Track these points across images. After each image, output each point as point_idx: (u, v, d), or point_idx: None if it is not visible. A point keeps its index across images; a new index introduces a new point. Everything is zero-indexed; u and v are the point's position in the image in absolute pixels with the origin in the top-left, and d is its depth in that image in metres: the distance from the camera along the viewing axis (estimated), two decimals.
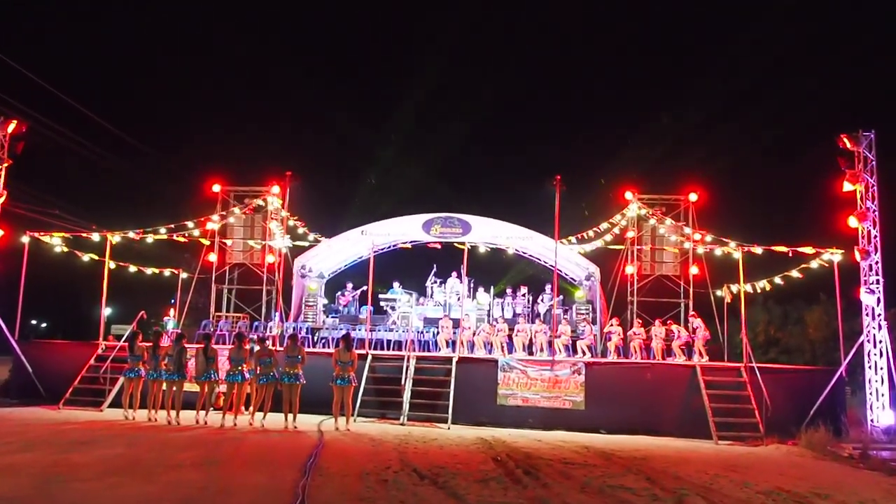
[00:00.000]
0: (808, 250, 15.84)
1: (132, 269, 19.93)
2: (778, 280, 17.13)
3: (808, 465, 11.19)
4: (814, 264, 16.03)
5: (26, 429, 12.06)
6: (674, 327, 17.33)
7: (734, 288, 17.11)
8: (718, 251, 17.33)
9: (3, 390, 16.76)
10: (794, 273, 16.55)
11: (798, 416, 13.73)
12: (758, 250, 16.30)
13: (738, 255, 16.26)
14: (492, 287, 21.48)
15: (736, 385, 14.50)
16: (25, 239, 17.29)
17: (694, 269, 18.67)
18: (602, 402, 14.79)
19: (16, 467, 8.62)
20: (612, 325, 17.69)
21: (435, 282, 21.66)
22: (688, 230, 18.32)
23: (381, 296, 20.76)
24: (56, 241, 17.73)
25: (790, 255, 16.11)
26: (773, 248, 16.14)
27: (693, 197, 18.84)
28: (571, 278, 22.19)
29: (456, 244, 19.10)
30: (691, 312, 17.91)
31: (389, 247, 21.39)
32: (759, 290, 17.96)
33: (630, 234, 18.94)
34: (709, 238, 17.58)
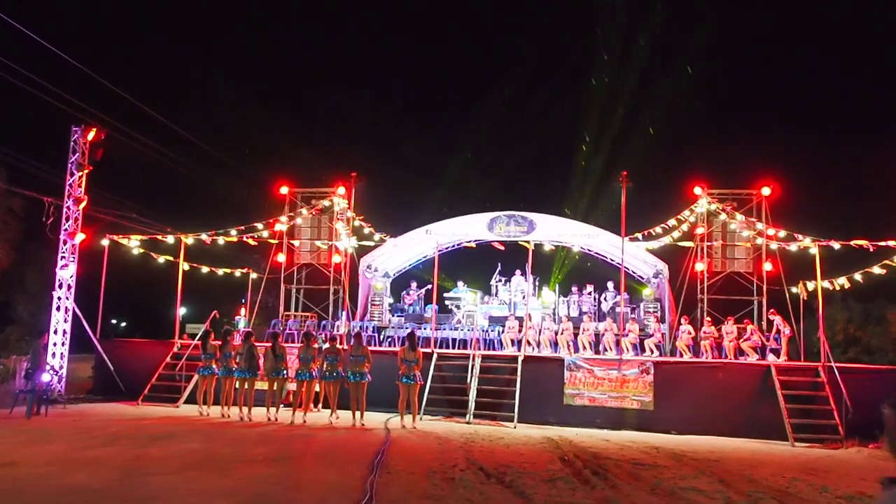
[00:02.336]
0: (892, 244, 15.18)
1: (205, 269, 20.54)
2: (858, 276, 16.48)
3: (892, 470, 10.71)
4: None
5: (108, 424, 12.56)
6: (748, 327, 16.79)
7: (811, 285, 16.53)
8: (793, 247, 16.77)
9: (87, 387, 17.50)
10: (876, 269, 15.89)
11: (881, 419, 13.07)
12: (836, 245, 15.72)
13: (814, 250, 15.70)
14: (556, 284, 21.31)
15: (813, 385, 14.01)
16: (105, 242, 18.02)
17: (767, 266, 18.05)
18: (672, 403, 14.49)
19: (100, 460, 8.98)
20: (682, 323, 17.31)
21: (499, 280, 21.61)
22: (760, 225, 17.76)
23: (445, 294, 20.82)
24: (133, 244, 18.39)
25: (871, 249, 15.48)
26: (852, 242, 15.54)
27: (766, 191, 18.20)
28: (639, 276, 21.82)
29: (520, 242, 19.01)
30: (771, 310, 17.31)
31: (454, 245, 21.43)
32: (837, 288, 17.31)
33: (700, 230, 18.46)
34: (783, 233, 17.02)
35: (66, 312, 16.81)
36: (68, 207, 16.87)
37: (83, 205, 17.08)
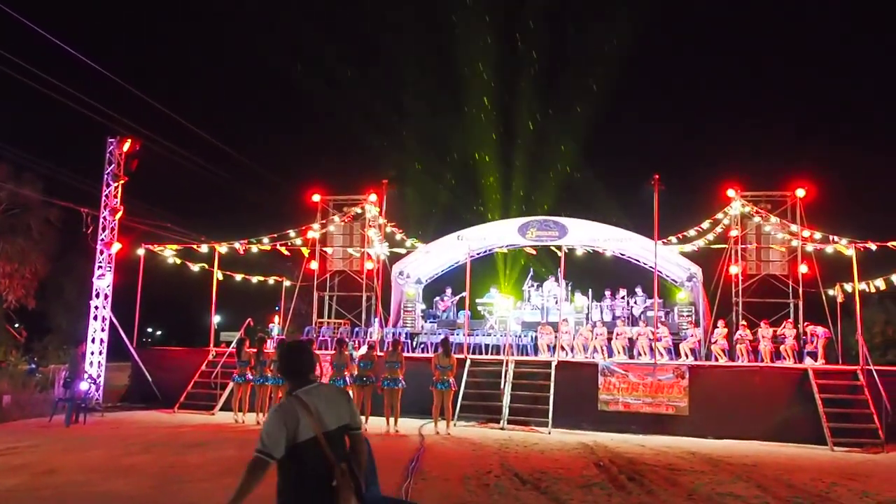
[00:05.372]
0: None
1: (238, 277, 20.76)
2: (895, 278, 16.15)
3: None
4: None
5: (146, 431, 12.76)
6: (787, 330, 16.52)
7: (847, 287, 16.23)
8: (829, 249, 16.49)
9: (124, 395, 17.78)
10: None
11: None
12: (873, 247, 15.43)
13: (850, 252, 15.43)
14: (590, 290, 21.18)
15: (852, 389, 13.76)
16: (141, 251, 18.32)
17: (803, 268, 17.75)
18: (708, 407, 14.30)
19: (138, 468, 9.14)
20: (717, 327, 17.09)
21: (532, 285, 21.52)
22: (795, 227, 17.49)
23: (478, 300, 20.81)
24: (169, 253, 18.68)
25: None
26: (889, 243, 15.24)
27: (800, 192, 17.90)
28: (673, 279, 21.60)
29: (552, 247, 18.92)
30: (805, 323, 17.05)
31: (486, 251, 21.39)
32: (874, 290, 17.00)
33: (733, 232, 18.23)
34: (818, 235, 16.75)
35: (103, 321, 17.10)
36: (104, 218, 17.19)
37: (119, 215, 17.39)
